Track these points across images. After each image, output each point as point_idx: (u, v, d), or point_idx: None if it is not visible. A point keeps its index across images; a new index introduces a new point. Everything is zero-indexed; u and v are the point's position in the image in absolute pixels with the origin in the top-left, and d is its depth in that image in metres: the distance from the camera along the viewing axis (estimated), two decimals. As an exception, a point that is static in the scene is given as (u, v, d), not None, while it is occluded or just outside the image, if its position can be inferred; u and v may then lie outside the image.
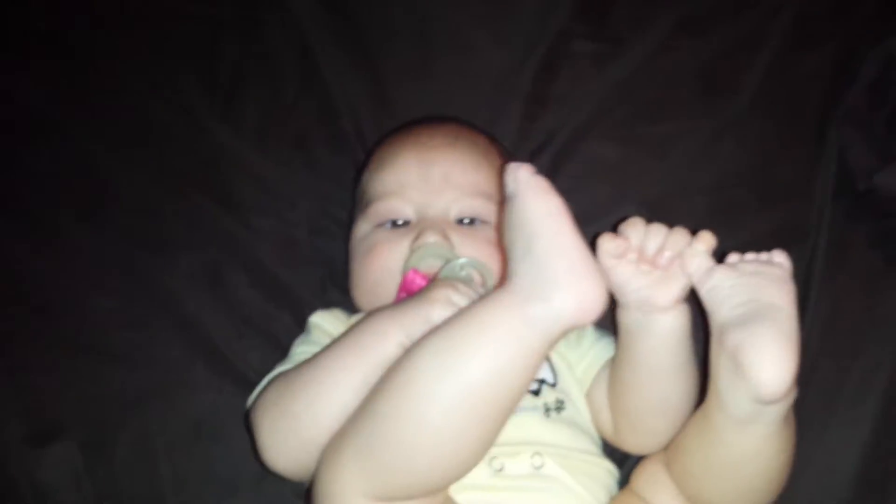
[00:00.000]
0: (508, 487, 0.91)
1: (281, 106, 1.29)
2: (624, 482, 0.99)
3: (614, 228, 0.91)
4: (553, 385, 1.00)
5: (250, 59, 1.30)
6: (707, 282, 0.86)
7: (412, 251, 1.02)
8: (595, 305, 0.76)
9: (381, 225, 1.08)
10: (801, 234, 1.16)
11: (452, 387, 0.77)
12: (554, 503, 0.92)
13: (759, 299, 0.82)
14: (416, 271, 1.00)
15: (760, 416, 0.81)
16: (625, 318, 0.92)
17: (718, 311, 0.84)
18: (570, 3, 1.31)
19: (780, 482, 0.89)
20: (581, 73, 1.30)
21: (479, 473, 0.87)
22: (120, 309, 1.12)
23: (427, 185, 1.07)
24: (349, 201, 1.19)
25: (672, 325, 0.90)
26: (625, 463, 1.02)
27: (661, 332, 0.90)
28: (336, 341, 0.94)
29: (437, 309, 0.89)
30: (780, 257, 0.88)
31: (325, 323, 1.05)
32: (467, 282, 0.97)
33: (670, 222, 0.91)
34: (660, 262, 0.89)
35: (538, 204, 0.78)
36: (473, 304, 0.82)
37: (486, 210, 1.07)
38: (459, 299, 0.89)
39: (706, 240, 0.88)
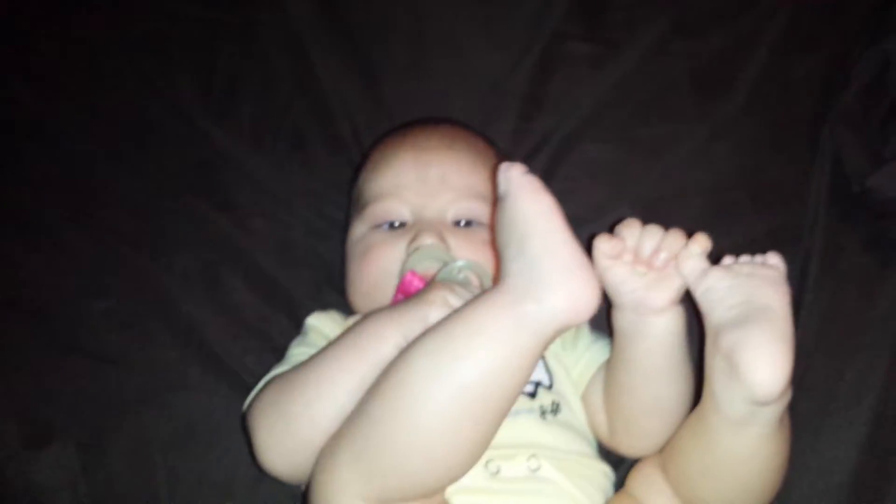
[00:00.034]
0: (505, 490, 0.91)
1: (276, 107, 1.29)
2: (619, 484, 0.99)
3: (610, 230, 0.91)
4: (549, 387, 1.00)
5: (246, 60, 1.30)
6: (702, 283, 0.86)
7: (410, 253, 1.02)
8: (588, 305, 0.76)
9: (377, 226, 1.08)
10: (795, 235, 1.17)
11: (446, 388, 0.77)
12: (550, 505, 0.92)
13: (753, 301, 0.82)
14: (413, 273, 1.00)
15: (756, 418, 0.82)
16: (620, 319, 0.92)
17: (713, 313, 0.85)
18: (566, 4, 1.31)
19: (776, 484, 0.89)
20: (576, 75, 1.30)
21: (476, 476, 0.87)
22: (115, 311, 1.12)
23: (424, 187, 1.07)
24: (345, 202, 1.19)
25: (667, 326, 0.90)
26: (620, 465, 1.02)
27: (656, 334, 0.90)
28: (333, 343, 0.94)
29: (434, 311, 0.89)
30: (774, 259, 0.88)
31: (322, 325, 1.05)
32: (465, 284, 0.97)
33: (665, 224, 0.91)
34: (655, 264, 0.89)
35: (530, 203, 0.78)
36: (467, 304, 0.82)
37: (483, 212, 1.07)
38: (457, 301, 0.90)
39: (701, 242, 0.88)
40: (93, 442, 1.04)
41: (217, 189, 1.23)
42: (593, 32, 1.31)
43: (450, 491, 0.86)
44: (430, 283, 0.97)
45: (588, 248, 0.87)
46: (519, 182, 0.79)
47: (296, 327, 1.09)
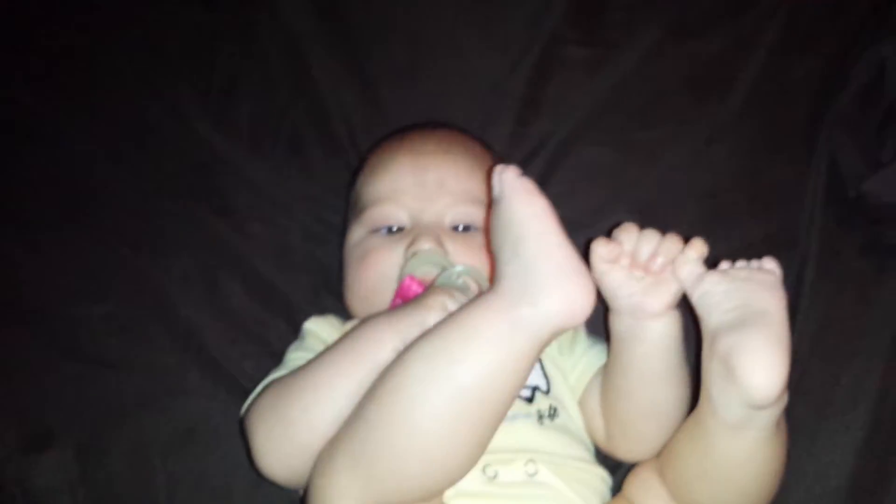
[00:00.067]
0: (502, 495, 0.91)
1: (275, 108, 1.29)
2: (617, 489, 0.99)
3: (607, 234, 0.91)
4: (546, 392, 1.00)
5: (244, 63, 1.30)
6: (698, 288, 0.86)
7: (408, 258, 1.02)
8: (583, 307, 0.76)
9: (375, 231, 1.08)
10: (791, 240, 1.17)
11: (442, 391, 0.77)
12: (547, 510, 0.92)
13: (750, 305, 0.83)
14: (412, 278, 1.00)
15: (752, 422, 0.82)
16: (617, 323, 0.93)
17: (710, 317, 0.85)
18: (563, 7, 1.31)
19: (773, 488, 0.89)
20: (573, 78, 1.30)
21: (473, 481, 0.87)
22: (113, 315, 1.12)
23: (422, 191, 1.07)
24: (343, 206, 1.19)
25: (663, 330, 0.90)
26: (618, 470, 1.02)
27: (652, 338, 0.91)
28: (331, 347, 0.94)
29: (432, 315, 0.89)
30: (770, 264, 0.88)
31: (320, 329, 1.05)
32: (464, 290, 0.97)
33: (662, 228, 0.91)
34: (652, 268, 0.89)
35: (524, 206, 0.78)
36: (462, 308, 0.82)
37: (481, 217, 1.07)
38: (455, 307, 0.89)
39: (698, 246, 0.89)
40: (92, 445, 1.04)
41: (215, 192, 1.23)
42: (591, 36, 1.31)
43: (448, 495, 0.86)
44: (428, 288, 0.97)
45: (585, 253, 0.88)
46: (513, 184, 0.79)
47: (294, 332, 1.09)
